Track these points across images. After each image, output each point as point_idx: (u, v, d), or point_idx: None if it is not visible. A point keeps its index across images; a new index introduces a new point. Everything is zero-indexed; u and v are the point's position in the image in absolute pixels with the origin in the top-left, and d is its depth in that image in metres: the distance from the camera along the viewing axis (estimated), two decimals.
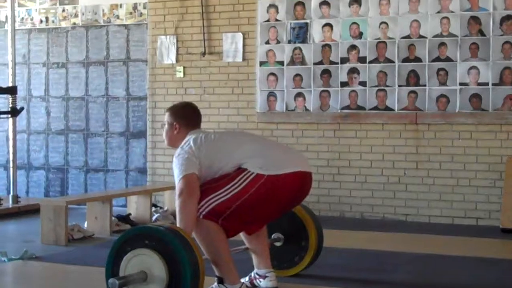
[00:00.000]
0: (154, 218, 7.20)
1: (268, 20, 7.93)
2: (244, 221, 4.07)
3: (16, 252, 5.55)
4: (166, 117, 4.32)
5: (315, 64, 7.79)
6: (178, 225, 3.89)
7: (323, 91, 7.75)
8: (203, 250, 4.03)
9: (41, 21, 9.15)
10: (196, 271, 3.64)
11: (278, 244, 4.76)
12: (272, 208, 4.09)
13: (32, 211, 7.58)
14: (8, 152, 8.45)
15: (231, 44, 8.10)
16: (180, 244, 3.64)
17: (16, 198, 7.96)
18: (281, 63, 7.89)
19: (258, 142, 4.28)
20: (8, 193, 8.22)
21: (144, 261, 3.68)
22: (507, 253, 5.92)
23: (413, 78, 7.42)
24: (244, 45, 8.05)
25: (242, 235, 4.33)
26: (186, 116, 4.30)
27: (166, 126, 4.32)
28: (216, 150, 4.04)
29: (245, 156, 4.01)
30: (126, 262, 3.73)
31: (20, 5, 9.19)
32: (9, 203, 7.94)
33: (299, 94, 7.84)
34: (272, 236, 4.73)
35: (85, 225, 6.64)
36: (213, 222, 3.97)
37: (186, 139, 4.17)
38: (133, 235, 3.81)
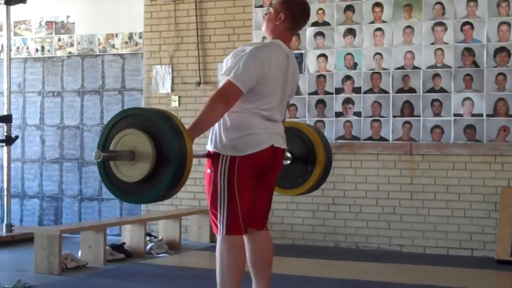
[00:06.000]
0: (148, 247, 7.17)
1: None
2: (251, 205, 4.02)
3: (9, 281, 5.51)
4: (275, 4, 4.13)
5: (310, 94, 7.82)
6: (195, 121, 3.81)
7: (318, 121, 7.77)
8: (216, 268, 4.00)
9: (37, 50, 9.19)
10: (183, 145, 3.58)
11: (285, 162, 4.56)
12: (256, 183, 4.04)
13: (26, 239, 7.53)
14: (2, 181, 8.43)
15: None
16: (166, 122, 3.61)
17: (9, 227, 7.92)
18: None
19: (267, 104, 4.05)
20: (2, 221, 8.17)
21: (132, 141, 3.63)
22: (503, 284, 5.91)
23: (408, 109, 7.45)
24: None
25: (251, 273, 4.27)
26: (297, 14, 4.11)
27: (271, 11, 4.12)
28: (265, 94, 3.96)
29: (243, 121, 3.95)
30: (116, 143, 3.68)
31: (16, 34, 9.23)
32: (3, 232, 7.90)
33: None
34: None
35: (79, 254, 6.60)
36: (238, 241, 3.95)
37: (270, 42, 4.06)
38: (120, 118, 3.76)
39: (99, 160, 3.67)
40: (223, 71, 3.97)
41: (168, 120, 3.64)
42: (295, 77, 4.23)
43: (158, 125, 3.61)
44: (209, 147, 4.02)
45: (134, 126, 3.66)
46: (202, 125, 3.83)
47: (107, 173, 3.73)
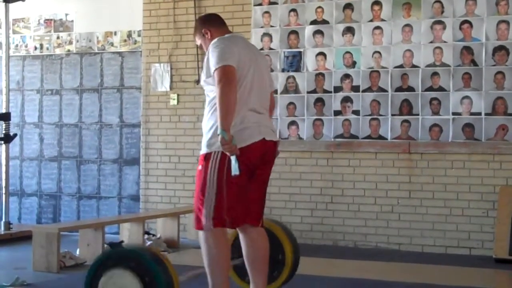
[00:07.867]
0: (146, 245, 7.17)
1: (262, 49, 7.96)
2: (241, 201, 4.09)
3: (7, 279, 5.52)
4: (195, 35, 4.44)
5: (308, 92, 7.81)
6: (219, 114, 3.90)
7: (316, 119, 7.77)
8: (203, 261, 4.08)
9: (36, 48, 9.18)
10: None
11: None
12: (248, 178, 4.11)
13: (24, 237, 7.53)
14: (0, 179, 8.42)
15: None
16: (154, 263, 3.74)
17: (8, 225, 7.93)
18: (275, 91, 7.89)
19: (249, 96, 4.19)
20: (0, 219, 8.17)
21: (120, 282, 3.73)
22: (501, 283, 5.91)
23: (406, 107, 7.45)
24: None
25: (247, 264, 4.30)
26: (212, 19, 4.44)
27: (199, 41, 4.42)
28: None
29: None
30: (103, 285, 3.78)
31: (14, 32, 9.22)
32: (1, 230, 7.90)
33: (292, 123, 7.85)
34: None
35: (77, 252, 6.61)
36: (223, 233, 4.04)
37: (226, 35, 4.27)
38: (108, 257, 3.89)
39: None
40: (203, 78, 4.13)
41: (155, 260, 3.80)
42: (265, 62, 4.47)
43: (145, 266, 3.76)
44: (202, 151, 4.12)
45: (121, 266, 3.79)
46: (225, 112, 3.90)
47: None
